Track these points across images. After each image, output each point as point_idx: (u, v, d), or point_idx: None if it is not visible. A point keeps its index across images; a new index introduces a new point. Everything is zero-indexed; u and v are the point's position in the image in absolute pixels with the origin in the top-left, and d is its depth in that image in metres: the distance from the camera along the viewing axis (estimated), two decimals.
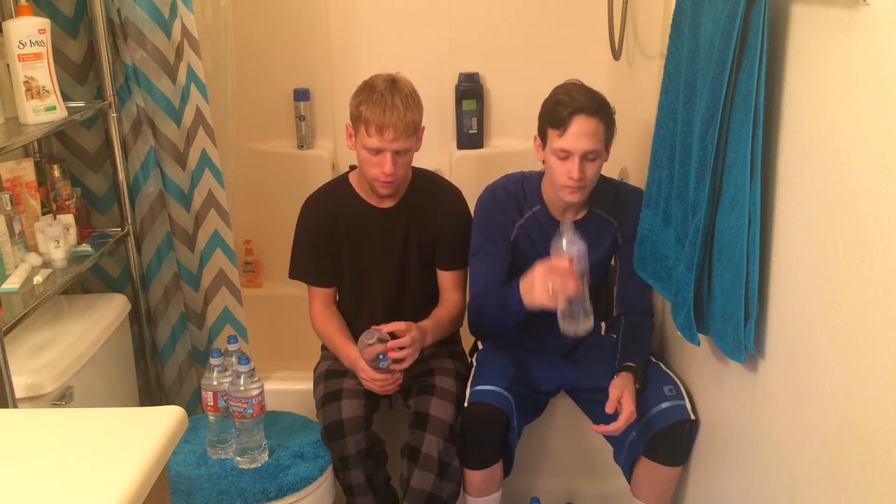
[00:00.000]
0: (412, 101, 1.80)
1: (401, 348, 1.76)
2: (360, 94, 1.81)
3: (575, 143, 1.68)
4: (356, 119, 1.82)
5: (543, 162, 1.79)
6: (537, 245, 1.82)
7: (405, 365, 1.79)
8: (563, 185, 1.72)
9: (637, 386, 1.74)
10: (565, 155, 1.70)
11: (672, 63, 1.53)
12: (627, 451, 1.77)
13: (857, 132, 1.06)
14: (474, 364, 1.91)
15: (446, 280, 2.00)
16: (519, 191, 1.86)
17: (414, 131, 1.81)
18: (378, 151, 1.79)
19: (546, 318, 1.88)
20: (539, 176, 1.87)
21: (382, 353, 1.76)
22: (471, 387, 1.81)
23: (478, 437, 1.60)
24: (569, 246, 1.61)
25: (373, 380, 1.80)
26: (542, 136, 1.76)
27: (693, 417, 1.71)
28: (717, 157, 1.36)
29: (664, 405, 1.72)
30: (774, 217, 1.31)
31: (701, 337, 1.54)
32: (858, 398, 1.07)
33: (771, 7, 1.23)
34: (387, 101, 1.76)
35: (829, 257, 1.14)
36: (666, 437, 1.72)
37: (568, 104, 1.69)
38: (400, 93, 1.78)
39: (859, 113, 1.05)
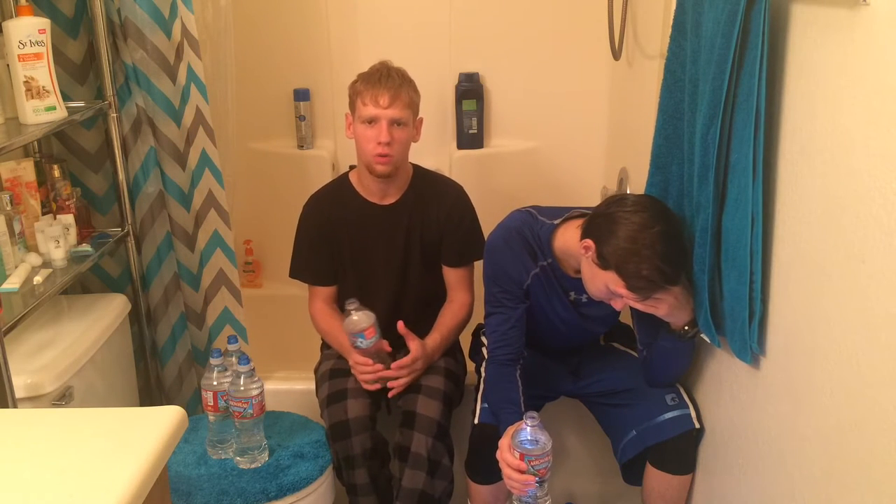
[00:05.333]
0: (407, 80, 1.86)
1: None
2: (357, 78, 1.87)
3: (653, 308, 1.57)
4: (353, 97, 1.86)
5: (585, 250, 1.57)
6: (550, 298, 1.77)
7: (396, 384, 1.85)
8: (599, 300, 1.64)
9: (687, 327, 1.60)
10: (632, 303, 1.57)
11: (677, 63, 1.53)
12: (623, 448, 1.77)
13: (857, 132, 1.06)
14: (482, 375, 1.87)
15: (453, 278, 2.00)
16: (533, 237, 1.73)
17: (409, 105, 1.83)
18: (374, 121, 1.80)
19: (550, 343, 1.89)
20: (551, 227, 1.72)
21: (361, 333, 1.80)
22: (481, 402, 1.81)
23: (487, 455, 1.60)
24: (524, 444, 1.47)
25: (356, 364, 1.84)
26: (601, 264, 1.54)
27: (698, 426, 1.70)
28: (720, 157, 1.36)
29: (669, 415, 1.71)
30: (775, 217, 1.31)
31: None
32: (858, 398, 1.07)
33: (771, 7, 1.23)
34: (382, 73, 1.83)
35: (830, 257, 1.14)
36: (673, 448, 1.71)
37: (657, 282, 1.49)
38: (395, 70, 1.85)
39: (859, 113, 1.05)
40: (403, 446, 1.81)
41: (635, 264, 1.48)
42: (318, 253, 1.97)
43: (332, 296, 2.03)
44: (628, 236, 1.49)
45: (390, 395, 1.86)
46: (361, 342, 1.81)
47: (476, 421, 1.78)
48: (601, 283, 1.56)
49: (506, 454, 1.50)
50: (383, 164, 1.83)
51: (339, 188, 1.98)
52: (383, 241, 1.95)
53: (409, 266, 1.97)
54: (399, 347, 1.90)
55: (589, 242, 1.56)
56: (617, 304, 1.60)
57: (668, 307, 1.56)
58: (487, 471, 1.71)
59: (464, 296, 2.00)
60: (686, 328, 1.61)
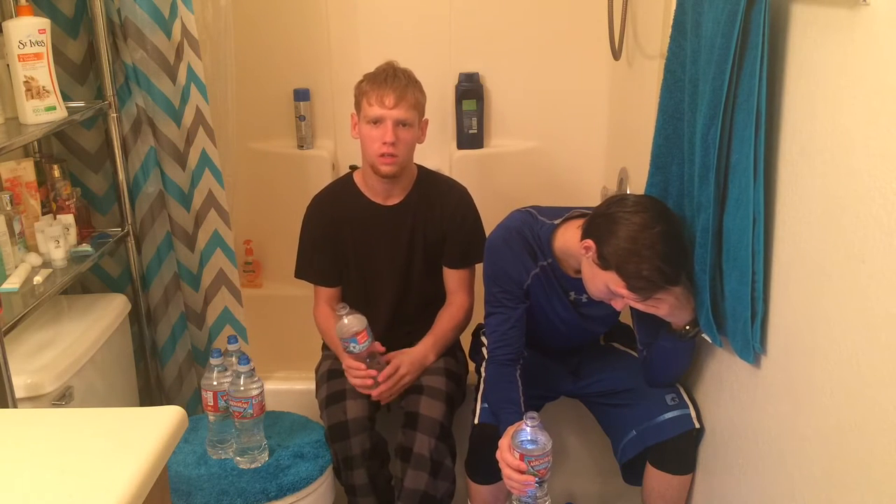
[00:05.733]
0: (413, 81, 1.86)
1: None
2: (363, 78, 1.87)
3: (654, 307, 1.57)
4: (359, 97, 1.86)
5: (585, 250, 1.57)
6: (550, 298, 1.77)
7: (384, 396, 1.83)
8: (599, 300, 1.65)
9: (688, 327, 1.60)
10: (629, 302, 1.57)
11: (677, 63, 1.53)
12: (623, 448, 1.77)
13: (857, 132, 1.06)
14: (482, 375, 1.86)
15: (453, 279, 2.00)
16: (533, 237, 1.72)
17: (415, 106, 1.83)
18: (379, 121, 1.80)
19: (550, 343, 1.88)
20: (551, 228, 1.72)
21: (353, 337, 1.78)
22: (481, 402, 1.81)
23: (487, 455, 1.60)
24: (524, 444, 1.47)
25: (348, 368, 1.82)
26: (602, 264, 1.54)
27: (699, 426, 1.70)
28: (721, 157, 1.36)
29: (669, 415, 1.71)
30: (775, 217, 1.31)
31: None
32: (858, 398, 1.07)
33: (771, 7, 1.23)
34: (388, 73, 1.84)
35: (830, 257, 1.14)
36: (673, 448, 1.71)
37: (657, 282, 1.49)
38: (401, 71, 1.86)
39: (859, 113, 1.05)
40: (405, 447, 1.81)
41: (636, 264, 1.48)
42: (322, 253, 1.97)
43: (337, 297, 2.02)
44: (629, 236, 1.49)
45: (382, 402, 1.87)
46: (354, 346, 1.79)
47: (476, 421, 1.78)
48: (601, 283, 1.56)
49: (506, 454, 1.51)
50: (388, 165, 1.83)
51: (343, 188, 1.98)
52: (387, 241, 1.95)
53: (413, 266, 1.97)
54: (399, 348, 1.90)
55: (589, 242, 1.56)
56: (617, 304, 1.60)
57: (668, 307, 1.56)
58: (487, 471, 1.71)
59: (463, 298, 2.00)
60: (687, 328, 1.61)
